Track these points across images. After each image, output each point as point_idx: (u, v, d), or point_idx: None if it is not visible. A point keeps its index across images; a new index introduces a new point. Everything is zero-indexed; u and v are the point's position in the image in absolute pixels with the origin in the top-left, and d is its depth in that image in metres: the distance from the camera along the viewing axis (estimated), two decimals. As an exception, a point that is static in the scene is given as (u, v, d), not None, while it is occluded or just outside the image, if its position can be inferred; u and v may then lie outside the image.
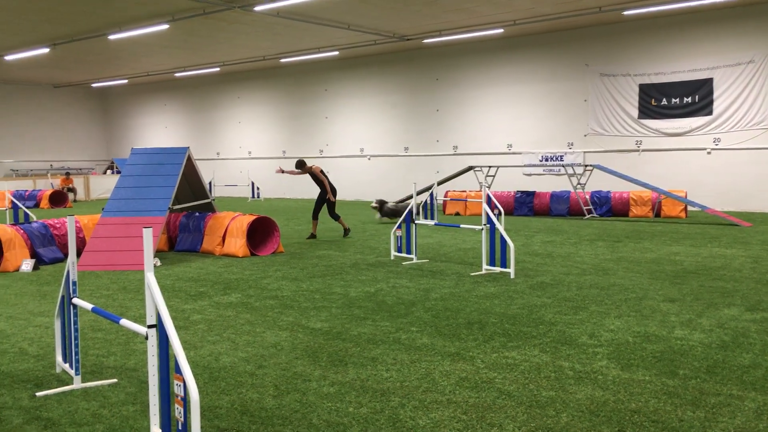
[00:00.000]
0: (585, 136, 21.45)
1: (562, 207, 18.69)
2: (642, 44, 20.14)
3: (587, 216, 18.02)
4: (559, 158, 21.76)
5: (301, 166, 13.99)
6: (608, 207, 18.18)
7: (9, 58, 24.63)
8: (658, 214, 17.63)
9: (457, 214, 20.04)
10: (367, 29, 20.72)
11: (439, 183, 19.75)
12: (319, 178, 13.95)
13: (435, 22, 19.98)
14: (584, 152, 21.42)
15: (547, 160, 22.05)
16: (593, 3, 17.84)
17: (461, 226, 10.75)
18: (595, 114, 21.23)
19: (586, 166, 18.82)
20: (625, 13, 18.58)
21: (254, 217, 12.07)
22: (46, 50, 23.10)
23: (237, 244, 11.78)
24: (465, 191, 20.68)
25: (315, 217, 14.23)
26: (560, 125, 21.95)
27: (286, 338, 6.32)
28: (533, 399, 4.63)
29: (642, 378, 5.01)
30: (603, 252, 11.56)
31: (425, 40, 22.28)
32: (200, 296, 8.40)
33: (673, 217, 17.43)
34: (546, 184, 21.63)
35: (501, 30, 20.64)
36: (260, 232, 12.39)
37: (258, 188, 28.72)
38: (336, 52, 24.65)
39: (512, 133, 22.95)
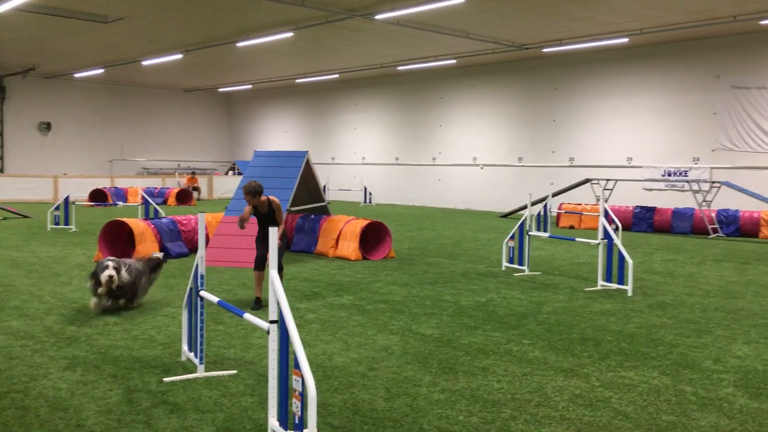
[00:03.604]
0: (713, 151, 20.35)
1: (684, 225, 17.82)
2: (780, 55, 18.89)
3: (712, 235, 17.08)
4: (683, 173, 20.76)
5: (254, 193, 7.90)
6: (736, 226, 17.15)
7: (146, 63, 26.29)
8: (792, 237, 16.46)
9: (572, 227, 19.53)
10: (485, 38, 20.62)
11: (554, 195, 19.33)
12: (279, 215, 8.23)
13: (556, 31, 19.60)
14: (711, 168, 20.31)
15: (669, 174, 21.08)
16: (727, 12, 16.92)
17: (576, 239, 10.49)
18: (724, 128, 20.10)
19: (713, 182, 17.85)
20: (762, 22, 17.49)
21: (367, 222, 12.28)
22: (179, 56, 24.48)
23: (350, 248, 12.01)
24: (580, 204, 20.13)
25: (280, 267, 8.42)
26: (686, 139, 20.93)
27: (396, 342, 6.39)
28: (652, 422, 4.45)
29: (773, 409, 4.71)
30: (730, 274, 10.92)
31: (545, 49, 21.90)
32: (314, 296, 8.63)
33: (809, 240, 16.22)
34: (668, 200, 20.67)
35: (626, 39, 19.96)
36: (372, 237, 12.58)
37: (370, 193, 29.15)
38: (453, 61, 24.67)
39: (633, 145, 22.12)
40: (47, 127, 32.33)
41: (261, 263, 7.99)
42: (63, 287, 8.94)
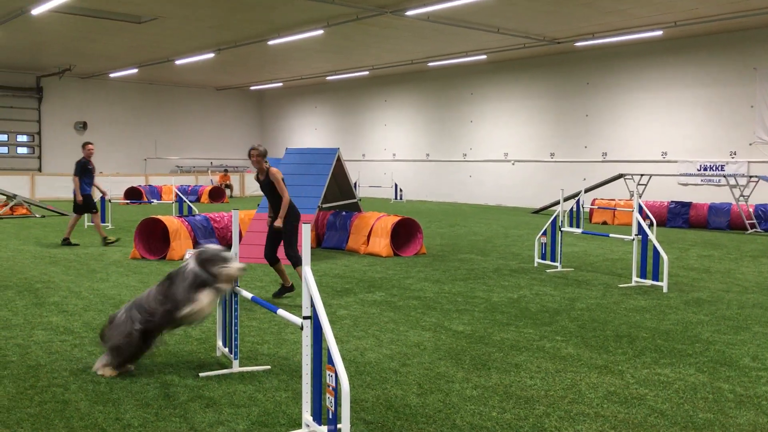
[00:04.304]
0: (750, 144, 19.95)
1: (721, 220, 17.50)
2: (821, 46, 18.44)
3: (750, 231, 16.76)
4: (719, 168, 20.39)
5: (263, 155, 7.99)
6: (775, 222, 16.81)
7: (179, 62, 26.61)
8: (833, 232, 16.08)
9: (605, 223, 19.32)
10: (516, 32, 20.47)
11: (587, 190, 19.13)
12: (279, 187, 8.06)
13: (588, 25, 19.38)
14: (749, 162, 19.92)
15: (705, 169, 20.73)
16: (763, 3, 16.57)
17: (610, 235, 10.37)
18: (762, 121, 19.69)
19: (750, 177, 17.50)
20: (802, 12, 17.10)
21: (398, 218, 12.29)
22: (211, 55, 24.74)
23: (381, 244, 12.04)
24: (614, 200, 19.90)
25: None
26: (722, 133, 20.55)
27: (428, 338, 6.39)
28: (689, 420, 4.39)
29: (814, 408, 4.61)
30: (768, 270, 10.71)
31: (577, 43, 21.66)
32: (346, 293, 8.67)
33: None
34: (703, 195, 20.32)
35: (660, 32, 19.66)
36: (404, 233, 12.59)
37: (401, 190, 29.15)
38: (484, 56, 24.54)
39: (667, 140, 21.79)
40: (83, 126, 32.92)
41: (269, 260, 8.11)
42: (100, 284, 9.12)
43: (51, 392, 4.83)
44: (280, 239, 8.13)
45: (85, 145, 13.61)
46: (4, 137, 31.42)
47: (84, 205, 13.30)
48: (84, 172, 13.37)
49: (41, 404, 4.60)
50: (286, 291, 8.27)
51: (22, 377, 5.16)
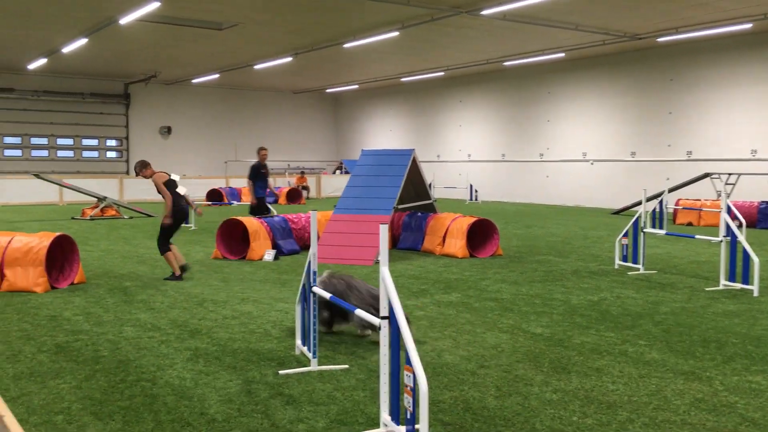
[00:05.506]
0: None
1: (816, 221, 16.58)
2: None
3: None
4: (814, 166, 19.31)
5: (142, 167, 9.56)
6: None
7: (257, 67, 27.26)
8: None
9: (690, 224, 18.62)
10: (595, 29, 19.99)
11: (670, 190, 18.48)
12: (159, 189, 9.47)
13: (671, 19, 18.72)
14: None
15: (799, 167, 19.67)
16: None
17: (696, 237, 10.00)
18: None
19: None
20: None
21: (474, 219, 12.20)
22: (289, 59, 25.23)
23: (457, 245, 11.98)
24: (699, 200, 19.15)
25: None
26: (818, 129, 19.47)
27: (506, 341, 6.32)
28: (783, 431, 4.18)
29: None
30: None
31: (659, 39, 20.96)
32: (422, 293, 8.67)
33: None
34: (797, 195, 19.31)
35: (749, 25, 18.80)
36: (479, 234, 12.49)
37: (476, 191, 28.93)
38: (561, 54, 24.07)
39: (758, 137, 20.80)
40: (168, 130, 34.15)
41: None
42: (185, 282, 9.42)
43: (140, 386, 5.03)
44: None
45: (259, 150, 14.46)
46: (94, 142, 32.94)
47: (257, 207, 14.02)
48: (257, 175, 14.17)
49: (131, 398, 4.80)
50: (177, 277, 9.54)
51: (113, 371, 5.39)
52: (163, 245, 9.54)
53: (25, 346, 6.14)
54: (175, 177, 9.70)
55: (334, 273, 6.69)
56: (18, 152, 31.28)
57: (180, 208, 9.51)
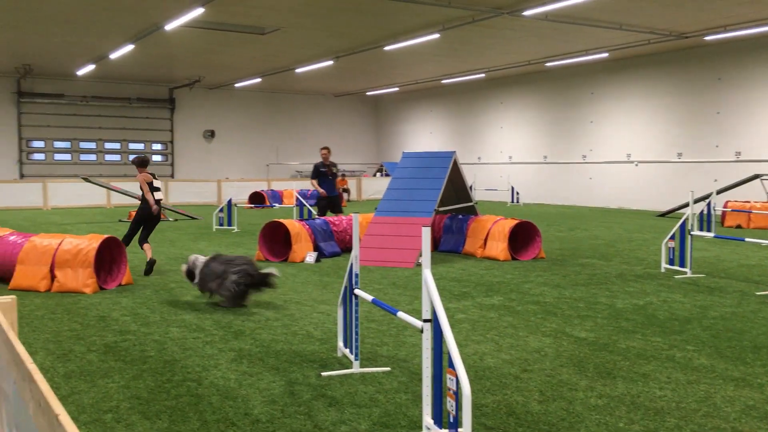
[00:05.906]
0: None
1: None
2: None
3: None
4: None
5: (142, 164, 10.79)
6: None
7: (299, 71, 27.50)
8: None
9: (739, 226, 18.16)
10: (640, 28, 19.65)
11: (719, 192, 18.06)
12: (142, 187, 10.55)
13: (719, 17, 18.30)
14: None
15: None
16: None
17: (746, 239, 9.75)
18: None
19: None
20: None
21: (516, 222, 12.10)
22: (330, 63, 25.39)
23: (499, 248, 11.89)
24: (749, 202, 18.67)
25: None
26: None
27: (549, 344, 6.25)
28: (840, 441, 4.05)
29: None
30: None
31: (706, 37, 20.50)
32: (463, 296, 8.63)
33: None
34: None
35: (800, 21, 18.27)
36: (521, 237, 12.38)
37: (518, 193, 28.68)
38: (605, 54, 23.72)
39: (810, 137, 20.18)
40: (211, 134, 34.66)
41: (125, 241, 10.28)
42: (228, 284, 9.54)
43: (186, 386, 5.12)
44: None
45: (321, 150, 15.25)
46: (140, 146, 33.62)
47: (326, 203, 14.81)
48: (318, 174, 14.84)
49: (177, 397, 4.88)
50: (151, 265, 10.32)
51: (159, 371, 5.49)
52: (128, 238, 10.56)
53: (76, 345, 6.30)
54: (158, 184, 10.77)
55: (199, 257, 8.26)
56: (68, 156, 32.11)
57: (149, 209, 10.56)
